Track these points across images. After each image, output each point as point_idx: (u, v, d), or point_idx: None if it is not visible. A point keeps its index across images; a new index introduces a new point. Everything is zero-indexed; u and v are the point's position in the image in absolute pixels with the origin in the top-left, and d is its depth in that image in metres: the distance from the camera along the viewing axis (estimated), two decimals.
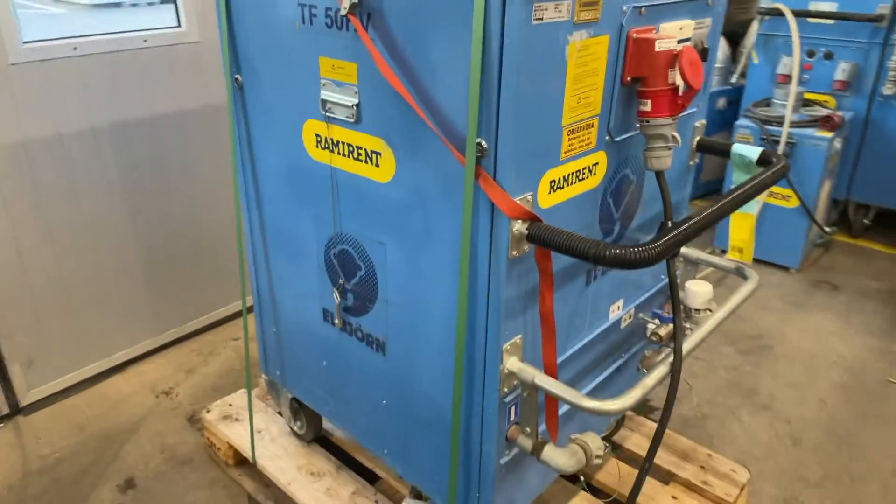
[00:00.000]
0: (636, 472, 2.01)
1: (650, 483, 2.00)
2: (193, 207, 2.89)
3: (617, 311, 1.77)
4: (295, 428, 2.18)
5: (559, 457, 1.44)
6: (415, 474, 1.75)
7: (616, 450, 2.14)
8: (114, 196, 2.62)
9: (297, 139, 1.62)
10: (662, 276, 1.94)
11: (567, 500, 1.93)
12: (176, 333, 3.01)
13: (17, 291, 2.44)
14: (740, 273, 1.78)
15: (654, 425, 2.24)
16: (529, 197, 1.29)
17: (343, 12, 1.32)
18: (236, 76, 1.73)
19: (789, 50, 3.68)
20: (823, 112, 3.61)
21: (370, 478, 2.06)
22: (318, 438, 2.19)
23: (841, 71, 3.77)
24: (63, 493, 2.21)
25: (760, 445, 2.45)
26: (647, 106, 1.38)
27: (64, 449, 2.40)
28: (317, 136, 1.57)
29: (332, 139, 1.53)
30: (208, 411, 2.32)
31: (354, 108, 1.43)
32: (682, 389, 1.45)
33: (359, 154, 1.48)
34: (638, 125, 1.46)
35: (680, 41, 1.39)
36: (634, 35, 1.35)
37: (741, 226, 1.80)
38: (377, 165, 1.45)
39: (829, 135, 3.46)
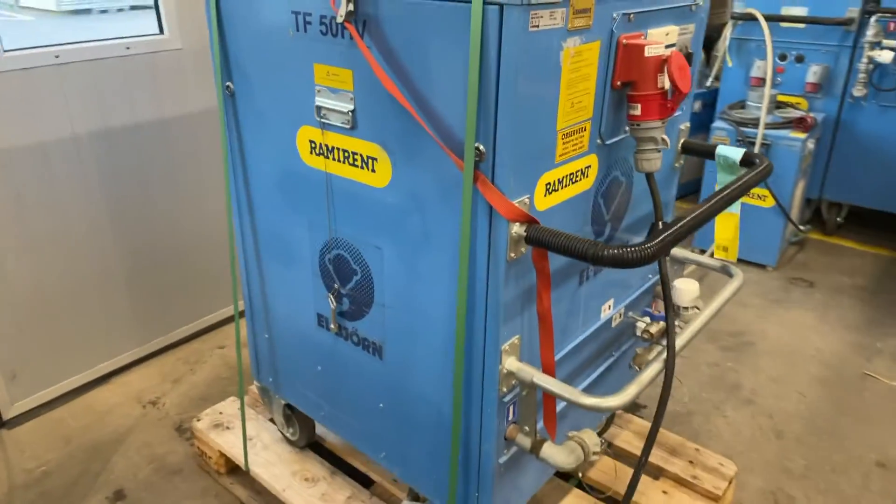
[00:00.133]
0: (627, 468, 2.06)
1: (641, 478, 2.03)
2: (176, 215, 2.87)
3: (608, 310, 1.80)
4: (287, 434, 2.18)
5: (558, 454, 1.47)
6: (413, 476, 1.77)
7: (607, 447, 2.18)
8: (96, 204, 2.59)
9: (291, 145, 1.63)
10: (650, 276, 1.98)
11: (560, 499, 1.96)
12: (161, 342, 2.98)
13: None
14: (726, 271, 1.83)
15: (642, 421, 2.29)
16: (526, 199, 1.31)
17: (339, 20, 1.34)
18: (227, 83, 1.73)
19: (762, 53, 3.76)
20: (796, 114, 3.70)
21: (364, 482, 2.06)
22: (311, 444, 2.19)
23: (812, 73, 3.86)
24: None
25: (745, 439, 2.51)
26: (637, 110, 1.42)
27: (50, 462, 2.36)
28: (311, 142, 1.58)
29: (326, 145, 1.54)
30: (198, 420, 2.30)
31: (350, 114, 1.44)
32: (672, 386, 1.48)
33: (354, 160, 1.50)
34: (627, 128, 1.50)
35: (667, 46, 1.43)
36: (624, 41, 1.39)
37: (726, 225, 1.85)
38: (373, 171, 1.47)
39: (803, 136, 3.55)
